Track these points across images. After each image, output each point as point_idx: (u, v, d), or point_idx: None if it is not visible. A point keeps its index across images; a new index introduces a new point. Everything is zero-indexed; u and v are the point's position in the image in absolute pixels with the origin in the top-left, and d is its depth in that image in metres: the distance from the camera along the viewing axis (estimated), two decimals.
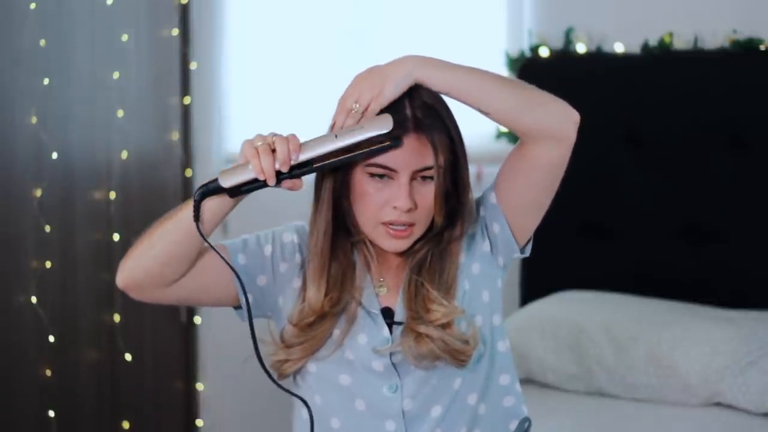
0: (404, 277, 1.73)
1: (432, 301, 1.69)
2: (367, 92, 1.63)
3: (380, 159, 1.65)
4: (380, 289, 1.75)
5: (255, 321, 1.68)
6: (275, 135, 1.62)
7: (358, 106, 1.63)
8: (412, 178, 1.66)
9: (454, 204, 1.71)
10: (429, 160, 1.66)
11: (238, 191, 1.62)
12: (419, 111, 1.66)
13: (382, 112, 1.64)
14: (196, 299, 1.78)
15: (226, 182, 1.61)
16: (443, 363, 1.70)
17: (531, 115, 1.64)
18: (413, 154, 1.65)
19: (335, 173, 1.69)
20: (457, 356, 1.68)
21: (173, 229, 1.66)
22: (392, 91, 1.63)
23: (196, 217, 1.62)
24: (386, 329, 1.72)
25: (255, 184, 1.61)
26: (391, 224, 1.67)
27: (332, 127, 1.67)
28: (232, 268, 1.68)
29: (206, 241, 1.65)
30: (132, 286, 1.70)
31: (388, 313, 1.73)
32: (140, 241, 1.69)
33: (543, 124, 1.65)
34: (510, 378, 1.79)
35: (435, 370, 1.71)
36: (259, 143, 1.61)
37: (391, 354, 1.70)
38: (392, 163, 1.65)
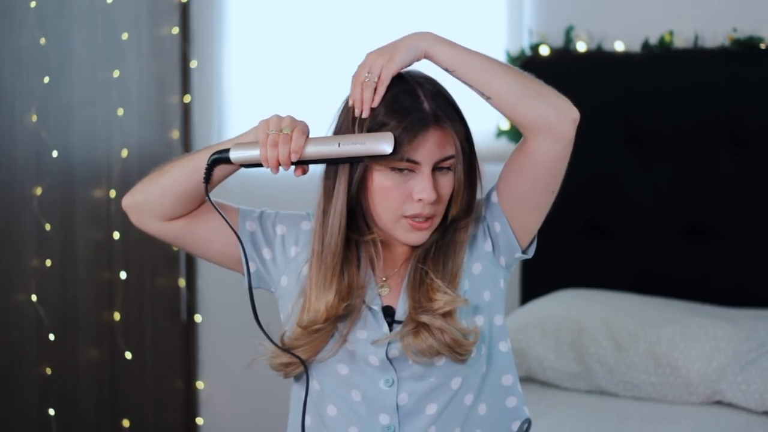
0: (408, 268, 1.73)
1: (435, 290, 1.69)
2: (378, 61, 1.65)
3: (405, 152, 1.66)
4: (383, 289, 1.75)
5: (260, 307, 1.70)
6: (289, 123, 1.65)
7: (370, 75, 1.65)
8: (433, 168, 1.67)
9: (469, 193, 1.73)
10: (449, 149, 1.68)
11: (244, 165, 1.72)
12: (434, 102, 1.68)
13: (386, 118, 1.65)
14: (199, 248, 1.81)
15: (236, 157, 1.70)
16: (443, 361, 1.70)
17: (531, 103, 1.65)
18: (436, 146, 1.66)
19: (351, 171, 1.69)
20: (457, 349, 1.68)
21: (181, 170, 1.73)
22: (402, 59, 1.65)
23: (207, 179, 1.70)
24: (386, 326, 1.71)
25: (261, 165, 1.69)
26: (414, 217, 1.67)
27: (347, 102, 1.70)
28: (235, 232, 1.72)
29: (211, 202, 1.71)
30: (131, 208, 1.78)
31: (388, 312, 1.73)
32: (154, 171, 1.77)
33: (541, 115, 1.65)
34: (512, 378, 1.79)
35: (434, 368, 1.71)
36: (272, 131, 1.65)
37: (387, 349, 1.70)
38: (416, 156, 1.66)
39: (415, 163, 1.66)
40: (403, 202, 1.67)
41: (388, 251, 1.76)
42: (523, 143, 1.70)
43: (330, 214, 1.70)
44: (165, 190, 1.74)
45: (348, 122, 1.69)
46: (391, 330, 1.71)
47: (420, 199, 1.66)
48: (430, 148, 1.66)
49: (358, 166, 1.68)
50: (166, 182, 1.74)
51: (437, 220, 1.70)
